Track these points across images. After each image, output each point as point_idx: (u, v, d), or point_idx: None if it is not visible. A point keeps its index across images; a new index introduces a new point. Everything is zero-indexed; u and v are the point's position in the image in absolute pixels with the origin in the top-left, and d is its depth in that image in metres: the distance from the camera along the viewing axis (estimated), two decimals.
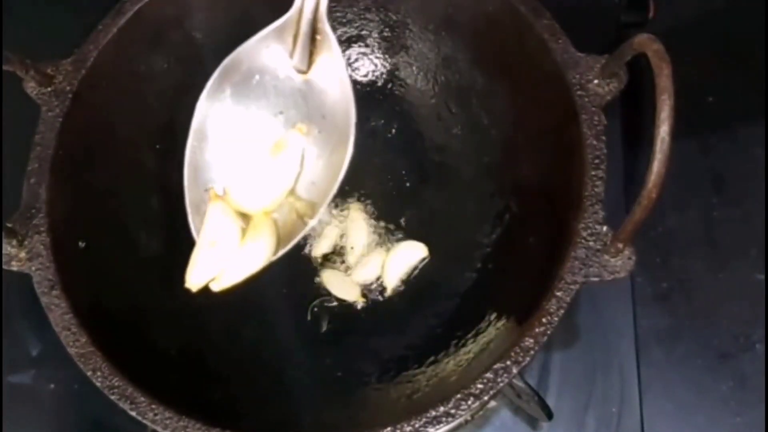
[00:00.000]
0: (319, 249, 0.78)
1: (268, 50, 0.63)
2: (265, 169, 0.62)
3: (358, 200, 0.79)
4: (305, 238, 0.78)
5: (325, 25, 0.62)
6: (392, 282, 0.76)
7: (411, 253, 0.77)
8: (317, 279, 0.76)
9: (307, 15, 0.61)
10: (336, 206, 0.79)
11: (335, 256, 0.78)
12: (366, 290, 0.76)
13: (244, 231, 0.61)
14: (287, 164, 0.62)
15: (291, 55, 0.63)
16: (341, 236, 0.78)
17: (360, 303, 0.75)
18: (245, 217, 0.62)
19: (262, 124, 0.64)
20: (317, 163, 0.63)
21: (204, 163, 0.63)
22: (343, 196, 0.80)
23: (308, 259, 0.78)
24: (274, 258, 0.62)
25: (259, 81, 0.64)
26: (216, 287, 0.60)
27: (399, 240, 0.78)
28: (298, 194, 0.63)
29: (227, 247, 0.60)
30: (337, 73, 0.62)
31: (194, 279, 0.60)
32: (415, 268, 0.76)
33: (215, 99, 0.63)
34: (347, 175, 0.79)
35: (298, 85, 0.64)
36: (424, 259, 0.77)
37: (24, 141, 0.65)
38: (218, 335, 0.72)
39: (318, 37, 0.62)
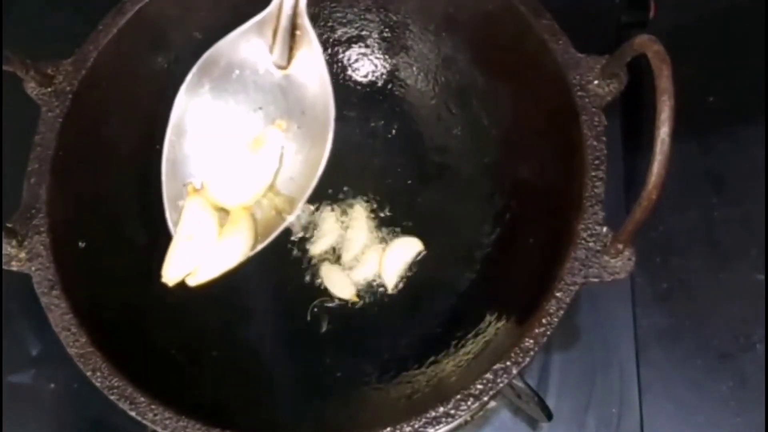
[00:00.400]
0: (318, 247, 0.78)
1: (247, 45, 0.63)
2: (244, 164, 0.62)
3: (360, 200, 0.79)
4: (305, 236, 0.78)
5: (304, 20, 0.62)
6: (391, 279, 0.76)
7: (407, 249, 0.77)
8: (317, 278, 0.76)
9: (286, 10, 0.61)
10: (338, 206, 0.79)
11: (334, 254, 0.78)
12: (366, 289, 0.76)
13: (221, 226, 0.61)
14: (266, 160, 0.62)
15: (271, 51, 0.63)
16: (341, 235, 0.78)
17: (356, 301, 0.75)
18: (223, 212, 0.63)
19: (242, 119, 0.65)
20: (296, 159, 0.63)
21: (182, 157, 0.63)
22: (344, 196, 0.80)
23: (307, 257, 0.77)
24: (252, 253, 0.62)
25: (239, 76, 0.64)
26: (192, 282, 0.60)
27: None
28: (277, 190, 0.63)
29: (204, 241, 0.60)
30: (317, 68, 0.62)
31: (171, 273, 0.60)
32: (413, 264, 0.77)
33: (194, 93, 0.63)
34: (348, 175, 0.80)
35: (278, 80, 0.64)
36: (420, 253, 0.77)
37: (24, 141, 0.65)
38: (217, 335, 0.72)
39: (297, 32, 0.62)
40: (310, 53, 0.62)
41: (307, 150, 0.63)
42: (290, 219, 0.62)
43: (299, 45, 0.63)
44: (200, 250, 0.60)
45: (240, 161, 0.63)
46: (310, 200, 0.77)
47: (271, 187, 0.63)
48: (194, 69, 0.63)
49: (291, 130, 0.64)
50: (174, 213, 0.62)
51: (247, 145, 0.63)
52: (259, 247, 0.62)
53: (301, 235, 0.78)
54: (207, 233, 0.60)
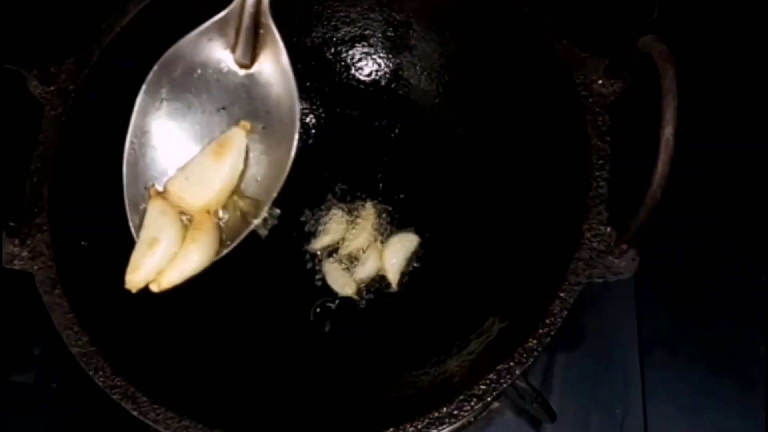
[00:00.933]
0: (320, 243, 0.78)
1: (209, 44, 0.62)
2: (207, 166, 0.61)
3: (369, 200, 0.79)
4: (311, 233, 0.78)
5: (268, 19, 0.60)
6: (395, 275, 0.76)
7: (405, 243, 0.77)
8: (319, 278, 0.76)
9: (248, 8, 0.60)
10: (346, 205, 0.79)
11: (334, 250, 0.78)
12: (369, 290, 0.76)
13: (186, 230, 0.60)
14: (230, 162, 0.60)
15: (233, 50, 0.62)
16: (345, 233, 0.78)
17: (356, 299, 0.76)
18: (187, 215, 0.61)
19: (205, 119, 0.63)
20: (262, 160, 0.62)
21: (144, 160, 0.61)
22: (349, 194, 0.80)
23: (309, 254, 0.77)
24: (216, 258, 0.60)
25: (201, 75, 0.62)
26: (155, 288, 0.59)
27: None
28: (243, 192, 0.62)
29: (167, 246, 0.59)
30: (281, 67, 0.61)
31: (133, 279, 0.58)
32: (417, 264, 0.77)
33: (155, 94, 0.61)
34: (352, 174, 0.79)
35: (242, 79, 0.62)
36: (419, 246, 0.77)
37: (27, 140, 0.65)
38: (220, 335, 0.72)
39: (261, 31, 0.61)
40: (274, 52, 0.61)
41: (273, 151, 0.61)
42: (256, 222, 0.60)
43: (263, 44, 0.61)
44: (163, 256, 0.59)
45: (203, 163, 0.61)
46: (316, 202, 0.79)
47: (236, 190, 0.61)
48: (154, 68, 0.61)
49: (256, 130, 0.62)
50: (136, 217, 0.60)
51: (210, 146, 0.62)
52: (225, 251, 0.60)
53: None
54: (170, 238, 0.59)
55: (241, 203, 0.61)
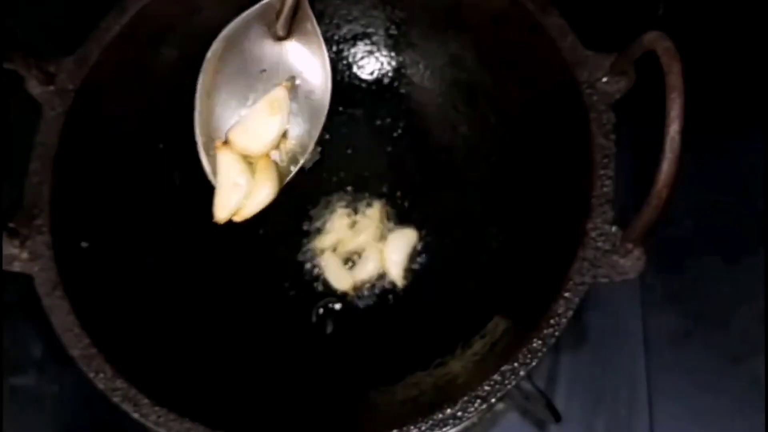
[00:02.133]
0: (322, 242, 0.78)
1: (255, 24, 0.71)
2: (262, 119, 0.72)
3: (371, 199, 0.79)
4: (313, 232, 0.79)
5: (305, 3, 0.70)
6: (398, 272, 0.76)
7: (404, 240, 0.77)
8: (322, 278, 0.76)
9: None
10: (351, 204, 0.80)
11: (335, 248, 0.78)
12: (371, 290, 0.76)
13: (252, 171, 0.72)
14: (280, 114, 0.72)
15: (274, 28, 0.71)
16: (348, 231, 0.78)
17: (354, 297, 0.76)
18: (248, 159, 0.72)
19: (251, 81, 0.73)
20: (303, 106, 0.73)
21: (211, 114, 0.72)
22: (352, 193, 0.80)
23: (312, 255, 0.77)
24: (279, 188, 0.72)
25: (248, 47, 0.72)
26: (238, 219, 0.71)
27: None
28: (289, 136, 0.74)
29: (244, 187, 0.70)
30: (314, 36, 0.72)
31: (221, 214, 0.70)
32: (419, 265, 0.76)
33: (217, 61, 0.71)
34: (355, 173, 0.80)
35: (279, 48, 0.73)
36: (419, 241, 0.77)
37: (26, 140, 0.65)
38: (221, 337, 0.71)
39: (299, 13, 0.71)
40: (310, 30, 0.71)
41: (310, 102, 0.72)
42: (305, 158, 0.72)
43: (299, 21, 0.71)
44: (240, 194, 0.70)
45: (258, 117, 0.72)
46: (319, 201, 0.80)
47: (285, 134, 0.73)
48: (216, 43, 0.70)
49: (295, 87, 0.73)
50: (207, 164, 0.71)
51: (261, 102, 0.72)
52: (286, 180, 0.72)
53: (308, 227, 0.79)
54: (245, 180, 0.70)
55: (290, 144, 0.73)
